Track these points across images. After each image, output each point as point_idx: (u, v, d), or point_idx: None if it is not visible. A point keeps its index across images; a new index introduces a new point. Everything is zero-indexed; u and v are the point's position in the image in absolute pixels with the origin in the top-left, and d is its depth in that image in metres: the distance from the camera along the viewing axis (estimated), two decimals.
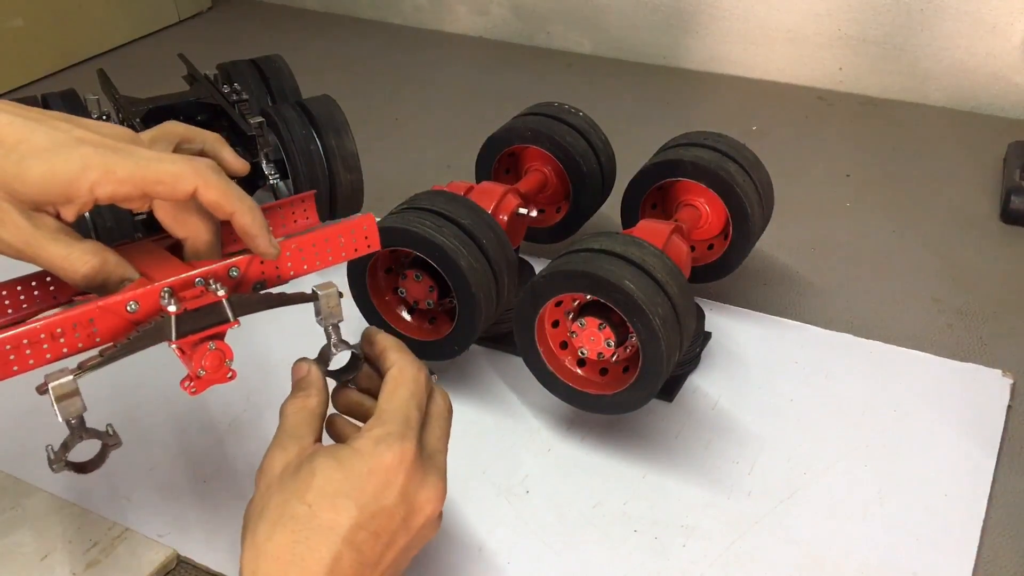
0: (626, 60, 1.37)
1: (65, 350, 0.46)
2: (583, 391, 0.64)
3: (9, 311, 0.51)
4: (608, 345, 0.61)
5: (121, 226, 0.72)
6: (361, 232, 0.53)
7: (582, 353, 0.63)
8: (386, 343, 0.54)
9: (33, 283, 0.52)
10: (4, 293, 0.51)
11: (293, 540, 0.45)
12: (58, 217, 0.46)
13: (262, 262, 0.51)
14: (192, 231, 0.50)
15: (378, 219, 0.68)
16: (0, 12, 1.31)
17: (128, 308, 0.47)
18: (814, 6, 1.21)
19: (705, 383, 0.72)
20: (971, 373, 0.72)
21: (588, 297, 0.61)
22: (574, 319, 0.62)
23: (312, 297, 0.52)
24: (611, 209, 0.84)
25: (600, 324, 0.61)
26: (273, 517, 0.46)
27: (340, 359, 0.55)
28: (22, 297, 0.52)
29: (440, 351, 0.69)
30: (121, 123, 0.72)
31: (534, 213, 0.74)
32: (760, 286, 0.85)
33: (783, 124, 1.16)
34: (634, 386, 0.61)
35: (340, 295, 0.53)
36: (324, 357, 0.54)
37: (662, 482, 0.63)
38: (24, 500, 0.63)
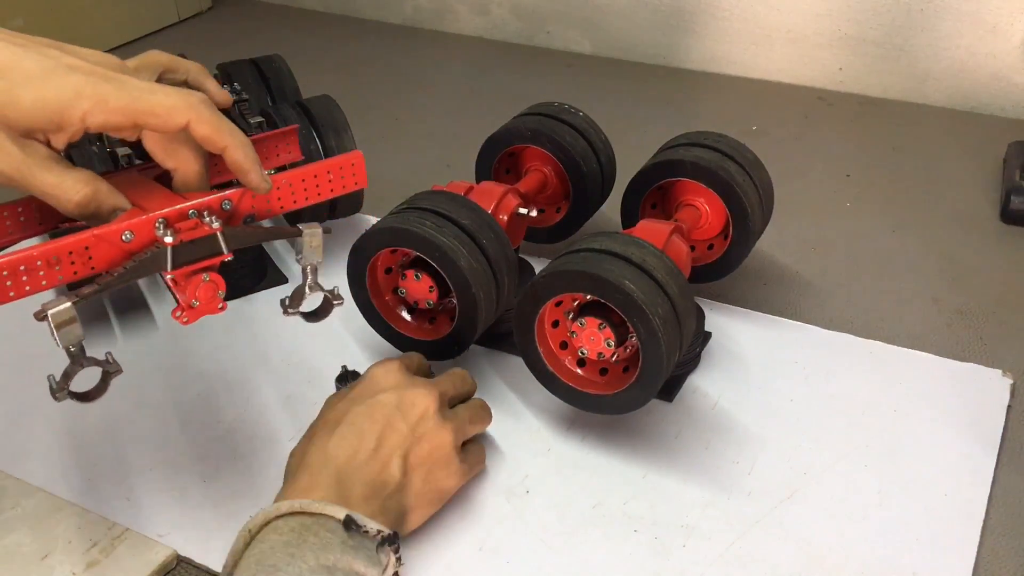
0: (626, 60, 1.37)
1: (60, 277, 0.46)
2: (583, 391, 0.64)
3: None
4: (608, 345, 0.61)
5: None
6: (349, 168, 0.54)
7: (582, 353, 0.63)
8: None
9: (20, 209, 0.52)
10: None
11: (307, 441, 0.56)
12: (48, 145, 0.46)
13: (253, 196, 0.51)
14: (181, 162, 0.50)
15: (378, 219, 0.68)
16: (0, 12, 1.31)
17: (123, 238, 0.47)
18: (814, 6, 1.21)
19: (705, 383, 0.72)
20: (971, 373, 0.72)
21: (588, 297, 0.61)
22: (574, 319, 0.62)
23: (297, 233, 0.52)
24: (611, 209, 0.84)
25: (600, 324, 0.61)
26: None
27: (312, 301, 0.55)
28: (8, 223, 0.52)
29: (440, 351, 0.69)
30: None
31: (534, 213, 0.74)
32: (760, 286, 0.85)
33: (783, 124, 1.16)
34: (634, 386, 0.61)
35: (327, 232, 0.53)
36: (298, 296, 0.54)
37: (662, 482, 0.63)
38: (24, 500, 0.63)
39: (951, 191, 1.00)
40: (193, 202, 0.49)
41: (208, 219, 0.49)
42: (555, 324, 0.64)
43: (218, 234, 0.48)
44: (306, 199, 0.53)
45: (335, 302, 0.56)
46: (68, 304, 0.45)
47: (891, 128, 1.15)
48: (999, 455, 0.65)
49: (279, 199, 0.52)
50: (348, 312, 0.72)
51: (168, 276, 0.48)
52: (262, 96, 0.93)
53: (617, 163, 0.84)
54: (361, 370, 0.72)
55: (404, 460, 0.55)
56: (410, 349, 0.70)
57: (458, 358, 0.70)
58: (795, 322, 0.79)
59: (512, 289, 0.69)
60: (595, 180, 0.81)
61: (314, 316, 0.56)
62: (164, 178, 0.52)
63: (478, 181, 0.82)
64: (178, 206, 0.48)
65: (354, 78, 1.34)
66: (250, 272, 0.84)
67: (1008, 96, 1.15)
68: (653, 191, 0.77)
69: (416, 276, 0.66)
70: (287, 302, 0.55)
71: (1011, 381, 0.71)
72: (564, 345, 0.65)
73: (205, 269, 0.49)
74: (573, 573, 0.57)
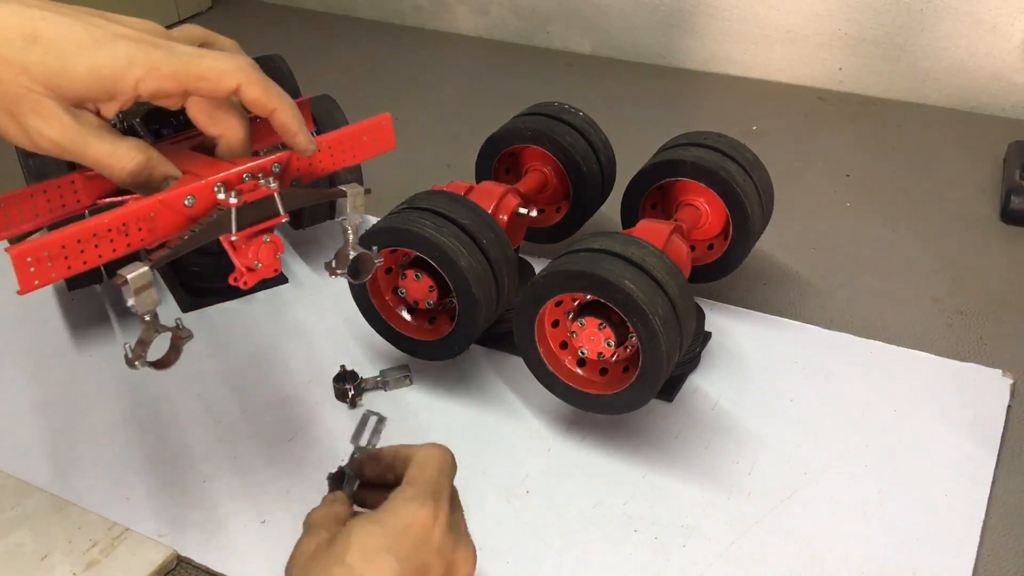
0: (626, 60, 1.37)
1: (129, 244, 0.46)
2: (583, 391, 0.64)
3: (36, 215, 0.51)
4: (608, 345, 0.61)
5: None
6: (380, 131, 0.56)
7: (582, 353, 0.63)
8: (400, 448, 0.50)
9: (59, 186, 0.52)
10: (31, 197, 0.51)
11: None
12: (98, 115, 0.46)
13: (298, 159, 0.52)
14: (226, 128, 0.50)
15: (378, 219, 0.68)
16: None
17: (186, 202, 0.47)
18: (814, 6, 1.21)
19: (705, 383, 0.72)
20: (971, 373, 0.72)
21: (588, 297, 0.61)
22: (574, 319, 0.62)
23: (342, 194, 0.53)
24: (611, 209, 0.84)
25: (600, 324, 0.61)
26: None
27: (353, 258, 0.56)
28: (48, 203, 0.52)
29: (440, 351, 0.69)
30: (121, 123, 0.72)
31: (534, 213, 0.74)
32: (760, 286, 0.85)
33: (783, 124, 1.16)
34: (634, 386, 0.61)
35: (368, 191, 0.54)
36: (343, 257, 0.55)
37: (662, 482, 0.63)
38: (24, 500, 0.63)
39: (951, 191, 1.00)
40: (246, 166, 0.49)
41: (265, 180, 0.49)
42: (555, 324, 0.64)
43: (276, 195, 0.49)
44: (343, 161, 0.55)
45: (376, 260, 0.56)
46: (145, 268, 0.45)
47: (891, 128, 1.15)
48: (999, 455, 0.65)
49: (320, 161, 0.54)
50: (348, 312, 0.72)
51: (232, 238, 0.48)
52: None
53: (617, 163, 0.84)
54: (361, 370, 0.72)
55: None
56: (410, 349, 0.70)
57: (458, 358, 0.70)
58: (795, 322, 0.79)
59: (512, 289, 0.69)
60: (595, 180, 0.81)
61: (356, 275, 0.56)
62: (197, 150, 0.52)
63: (478, 181, 0.82)
64: (235, 169, 0.49)
65: (354, 78, 1.34)
66: None
67: (1008, 96, 1.15)
68: (653, 191, 0.77)
69: (416, 276, 0.66)
70: (333, 264, 0.55)
71: (1011, 381, 0.71)
72: (564, 345, 0.65)
73: (265, 230, 0.50)
74: (573, 573, 0.57)
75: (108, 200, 0.51)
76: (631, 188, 0.77)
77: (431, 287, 0.66)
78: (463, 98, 1.28)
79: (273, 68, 0.95)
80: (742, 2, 1.25)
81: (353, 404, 0.70)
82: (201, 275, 0.83)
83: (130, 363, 0.47)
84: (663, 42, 1.33)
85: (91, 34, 0.44)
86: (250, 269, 0.50)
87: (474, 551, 0.48)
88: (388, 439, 0.69)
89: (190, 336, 0.49)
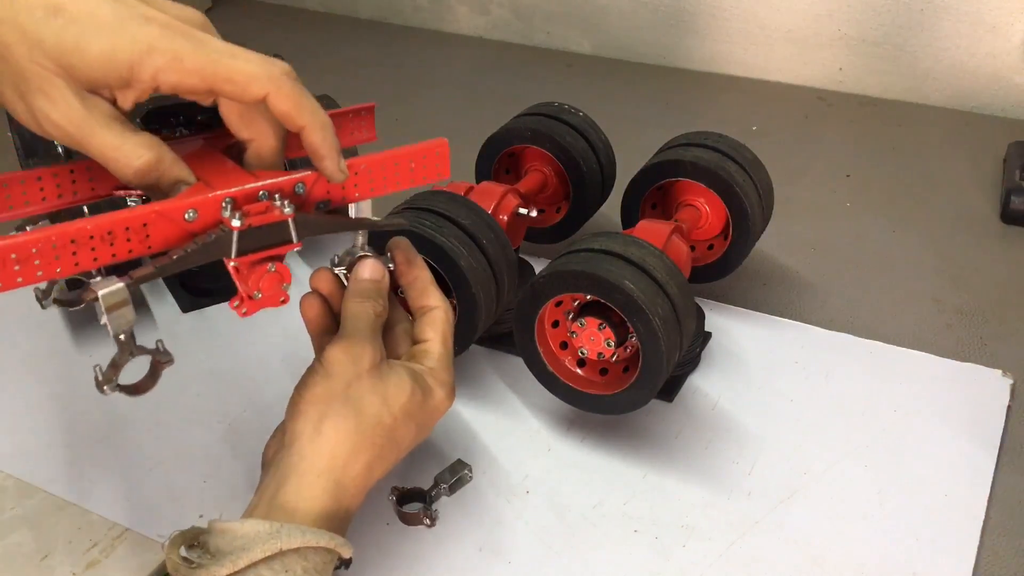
0: (626, 60, 1.37)
1: (114, 255, 0.41)
2: (583, 391, 0.64)
3: (43, 199, 0.47)
4: (608, 345, 0.61)
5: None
6: (433, 158, 0.51)
7: (582, 353, 0.63)
8: (424, 275, 0.56)
9: (72, 171, 0.47)
10: (40, 179, 0.46)
11: (377, 443, 0.51)
12: (114, 104, 0.43)
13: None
14: (258, 134, 0.46)
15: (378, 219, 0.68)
16: None
17: (186, 216, 0.43)
18: (814, 6, 1.21)
19: (705, 383, 0.72)
20: (971, 373, 0.72)
21: (588, 297, 0.61)
22: (574, 319, 0.62)
23: (369, 224, 0.51)
24: (611, 209, 0.84)
25: (600, 324, 0.61)
26: (368, 412, 0.51)
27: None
28: (58, 185, 0.47)
29: None
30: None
31: (534, 213, 0.74)
32: (760, 286, 0.85)
33: (783, 124, 1.16)
34: (634, 386, 0.61)
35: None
36: (345, 258, 0.54)
37: (662, 482, 0.63)
38: (24, 500, 0.63)
39: (951, 191, 1.00)
40: (265, 182, 0.45)
41: (280, 203, 0.44)
42: (555, 324, 0.64)
43: (289, 221, 0.44)
44: (384, 187, 0.50)
45: (388, 266, 0.55)
46: (121, 285, 0.41)
47: (891, 128, 1.15)
48: (999, 455, 0.65)
49: (356, 186, 0.48)
50: None
51: (231, 264, 0.44)
52: None
53: (617, 163, 0.84)
54: None
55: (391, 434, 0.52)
56: None
57: (458, 358, 0.70)
58: (795, 322, 0.79)
59: (512, 289, 0.69)
60: (595, 180, 0.81)
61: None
62: (234, 148, 0.48)
63: (478, 181, 0.82)
64: (248, 186, 0.44)
65: (354, 78, 1.34)
66: None
67: (1008, 96, 1.15)
68: (653, 191, 0.77)
69: None
70: (336, 260, 0.55)
71: (1011, 381, 0.71)
72: (564, 345, 0.65)
73: (271, 258, 0.46)
74: (573, 573, 0.57)
75: (124, 192, 0.47)
76: (631, 188, 0.77)
77: None
78: (463, 98, 1.28)
79: None
80: (742, 2, 1.25)
81: None
82: (202, 275, 0.83)
83: (99, 386, 0.43)
84: (663, 42, 1.33)
85: (116, 14, 0.41)
86: (251, 297, 0.46)
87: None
88: None
89: (170, 361, 0.46)
